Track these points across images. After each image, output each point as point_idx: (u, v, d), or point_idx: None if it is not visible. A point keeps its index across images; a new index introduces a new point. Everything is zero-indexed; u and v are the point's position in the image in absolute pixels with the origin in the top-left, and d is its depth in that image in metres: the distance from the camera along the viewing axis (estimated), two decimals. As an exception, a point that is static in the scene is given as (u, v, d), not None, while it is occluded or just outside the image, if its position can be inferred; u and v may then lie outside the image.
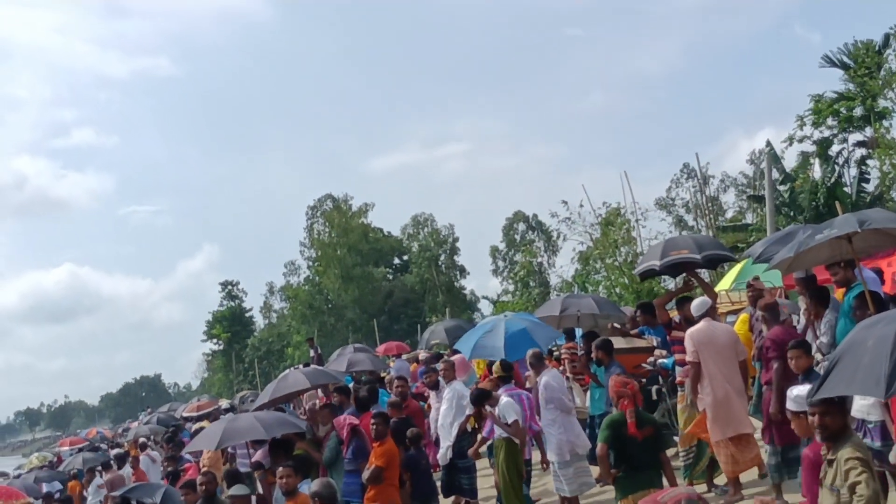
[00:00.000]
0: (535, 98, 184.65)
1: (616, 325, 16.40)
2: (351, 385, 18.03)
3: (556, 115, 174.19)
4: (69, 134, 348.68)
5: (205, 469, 15.64)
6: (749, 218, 45.34)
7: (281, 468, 11.31)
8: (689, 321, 12.63)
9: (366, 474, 12.13)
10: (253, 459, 15.38)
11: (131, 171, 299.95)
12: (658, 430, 10.34)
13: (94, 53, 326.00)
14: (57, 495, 25.67)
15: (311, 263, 75.54)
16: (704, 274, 18.18)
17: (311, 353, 31.47)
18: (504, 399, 12.78)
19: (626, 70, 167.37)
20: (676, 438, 13.41)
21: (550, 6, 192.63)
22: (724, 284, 19.77)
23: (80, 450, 33.68)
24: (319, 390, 17.75)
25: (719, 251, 15.54)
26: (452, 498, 14.67)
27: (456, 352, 18.61)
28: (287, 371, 19.78)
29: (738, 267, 18.97)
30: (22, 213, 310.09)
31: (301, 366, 28.39)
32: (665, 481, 9.82)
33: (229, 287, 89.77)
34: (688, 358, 11.76)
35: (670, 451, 14.57)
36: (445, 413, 14.69)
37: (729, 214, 51.64)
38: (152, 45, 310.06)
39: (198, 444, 16.14)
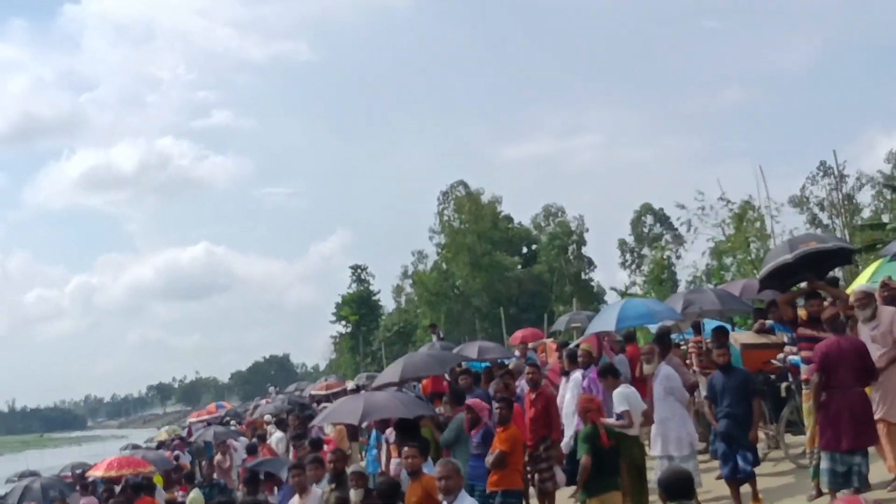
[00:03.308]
0: (670, 90, 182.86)
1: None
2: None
3: (691, 108, 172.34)
4: (209, 115, 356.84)
5: (334, 447, 15.90)
6: (886, 217, 44.10)
7: (406, 448, 11.43)
8: (816, 318, 12.43)
9: (490, 459, 12.23)
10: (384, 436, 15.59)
11: (268, 154, 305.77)
12: (618, 439, 11.57)
13: (234, 37, 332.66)
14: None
15: (439, 250, 75.93)
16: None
17: (434, 338, 31.64)
18: (618, 389, 12.76)
19: (764, 64, 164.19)
20: (804, 437, 13.20)
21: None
22: (858, 283, 19.38)
23: (209, 424, 34.57)
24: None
25: (844, 244, 15.26)
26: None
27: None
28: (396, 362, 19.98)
29: (873, 265, 18.54)
30: (163, 192, 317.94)
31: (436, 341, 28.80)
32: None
33: (359, 271, 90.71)
34: None
35: (797, 450, 14.43)
36: (570, 401, 14.68)
37: (865, 214, 50.32)
38: (291, 30, 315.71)
39: (338, 416, 16.30)
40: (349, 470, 12.57)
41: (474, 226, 71.63)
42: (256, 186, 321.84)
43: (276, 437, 23.15)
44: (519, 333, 29.20)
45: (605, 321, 16.66)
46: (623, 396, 12.54)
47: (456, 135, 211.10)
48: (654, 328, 17.37)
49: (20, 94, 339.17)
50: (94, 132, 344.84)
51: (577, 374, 15.03)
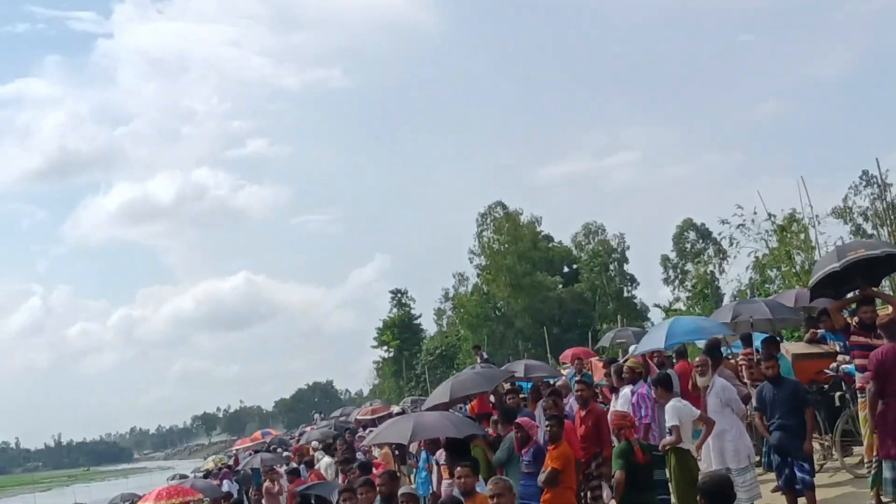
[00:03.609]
0: (707, 105, 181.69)
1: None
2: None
3: (729, 122, 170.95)
4: (244, 145, 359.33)
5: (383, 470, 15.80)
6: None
7: (459, 468, 11.32)
8: (868, 326, 12.24)
9: (542, 477, 12.09)
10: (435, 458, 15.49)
11: (304, 182, 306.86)
12: (653, 455, 11.86)
13: (267, 66, 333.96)
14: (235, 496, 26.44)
15: (479, 271, 75.88)
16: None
17: (479, 359, 31.44)
18: (670, 403, 12.61)
19: (802, 76, 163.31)
20: (861, 448, 12.98)
21: (723, 12, 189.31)
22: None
23: (257, 451, 34.59)
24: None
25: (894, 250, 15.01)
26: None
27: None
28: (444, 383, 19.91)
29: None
30: (201, 223, 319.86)
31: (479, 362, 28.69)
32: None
33: (399, 295, 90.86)
34: None
35: (854, 459, 14.21)
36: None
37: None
38: (324, 57, 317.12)
39: (387, 437, 16.29)
40: (400, 492, 12.45)
41: (514, 246, 71.51)
42: (294, 214, 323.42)
43: (324, 462, 23.16)
44: (569, 352, 29.05)
45: (655, 340, 16.56)
46: (674, 411, 12.38)
47: (493, 155, 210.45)
48: (701, 343, 17.21)
49: (57, 129, 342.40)
50: (131, 165, 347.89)
51: (625, 390, 14.90)
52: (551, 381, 20.31)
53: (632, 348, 19.65)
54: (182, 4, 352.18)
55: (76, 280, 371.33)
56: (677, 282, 73.77)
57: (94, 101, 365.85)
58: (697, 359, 14.43)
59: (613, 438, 12.39)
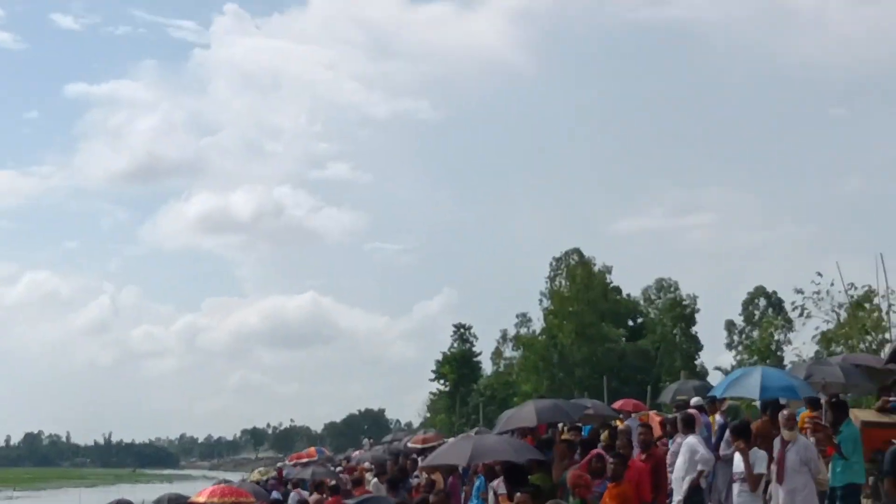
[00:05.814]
0: (789, 175, 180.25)
1: None
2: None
3: (810, 194, 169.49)
4: (325, 167, 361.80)
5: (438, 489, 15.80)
6: None
7: (518, 494, 11.32)
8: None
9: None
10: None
11: (382, 209, 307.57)
12: None
13: (359, 92, 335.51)
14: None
15: (546, 315, 75.61)
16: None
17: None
18: (754, 450, 12.54)
19: (889, 156, 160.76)
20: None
21: (817, 84, 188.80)
22: None
23: (307, 464, 34.64)
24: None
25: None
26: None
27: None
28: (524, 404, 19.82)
29: None
30: (276, 240, 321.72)
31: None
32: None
33: (462, 330, 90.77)
34: None
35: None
36: (679, 467, 14.45)
37: None
38: (415, 87, 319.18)
39: (445, 458, 16.25)
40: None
41: (584, 294, 71.35)
42: (368, 240, 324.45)
43: (373, 483, 23.18)
44: (627, 401, 28.78)
45: (748, 388, 15.87)
46: (763, 460, 12.43)
47: (570, 202, 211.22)
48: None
49: (148, 133, 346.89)
50: (215, 176, 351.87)
51: (690, 438, 14.78)
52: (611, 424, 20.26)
53: (694, 400, 19.38)
54: (281, 22, 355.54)
55: (147, 283, 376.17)
56: (741, 347, 73.19)
57: (186, 110, 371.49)
58: (786, 412, 14.06)
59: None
